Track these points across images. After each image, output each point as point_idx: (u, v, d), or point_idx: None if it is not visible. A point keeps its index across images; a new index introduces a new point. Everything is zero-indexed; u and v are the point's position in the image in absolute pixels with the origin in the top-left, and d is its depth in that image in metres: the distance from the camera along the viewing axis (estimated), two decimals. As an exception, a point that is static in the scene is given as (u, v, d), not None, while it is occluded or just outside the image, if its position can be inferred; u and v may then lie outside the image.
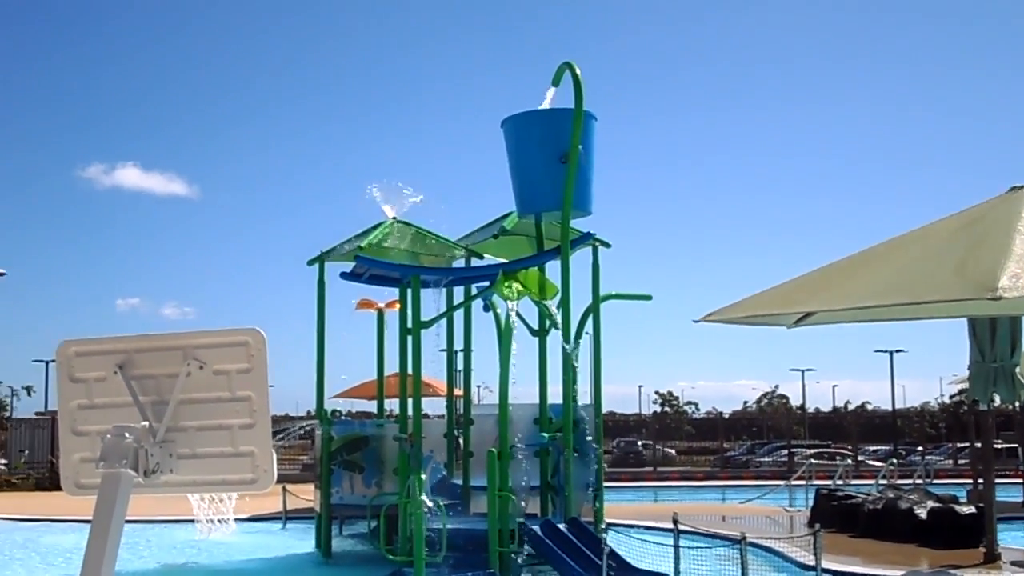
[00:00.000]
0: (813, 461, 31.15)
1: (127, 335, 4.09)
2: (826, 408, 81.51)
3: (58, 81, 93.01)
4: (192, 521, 18.36)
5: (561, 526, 13.27)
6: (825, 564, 11.86)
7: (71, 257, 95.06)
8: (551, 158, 14.07)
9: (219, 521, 18.57)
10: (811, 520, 17.44)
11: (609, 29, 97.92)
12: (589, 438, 14.30)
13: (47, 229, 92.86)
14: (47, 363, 65.68)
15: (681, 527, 13.23)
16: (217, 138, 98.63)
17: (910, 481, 25.41)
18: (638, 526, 15.19)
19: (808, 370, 65.83)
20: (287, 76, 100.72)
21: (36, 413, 52.04)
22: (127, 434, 3.80)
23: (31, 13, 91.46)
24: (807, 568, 12.40)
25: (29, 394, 61.74)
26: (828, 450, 47.89)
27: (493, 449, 13.25)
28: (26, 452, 39.79)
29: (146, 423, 3.88)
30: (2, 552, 17.04)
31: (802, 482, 25.25)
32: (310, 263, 16.28)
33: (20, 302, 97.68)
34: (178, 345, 3.93)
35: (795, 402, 74.89)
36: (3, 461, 40.35)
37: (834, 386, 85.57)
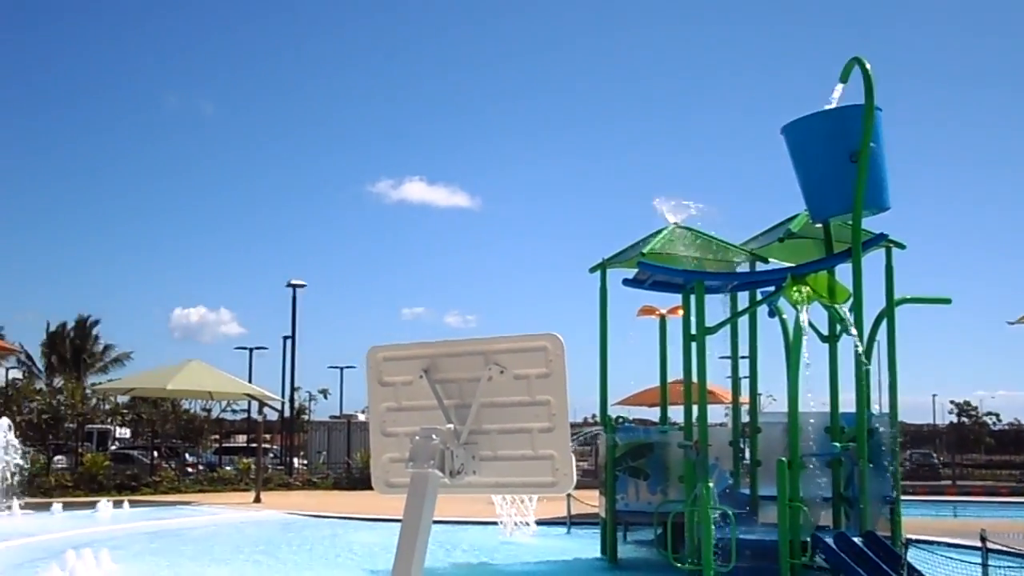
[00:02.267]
0: None
1: (430, 341, 4.22)
2: None
3: (349, 101, 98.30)
4: (494, 523, 19.04)
5: (856, 540, 12.83)
6: None
7: (361, 268, 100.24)
8: (840, 158, 13.68)
9: (522, 523, 19.16)
10: None
11: (896, 22, 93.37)
12: (884, 448, 13.79)
13: (339, 242, 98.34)
14: (341, 369, 69.49)
15: (990, 545, 12.48)
16: (497, 152, 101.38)
17: None
18: (939, 543, 14.41)
19: None
20: (565, 93, 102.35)
21: (331, 416, 54.99)
22: (434, 436, 3.94)
23: (322, 43, 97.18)
24: None
25: (325, 397, 65.34)
26: None
27: (783, 458, 12.98)
28: (324, 453, 42.19)
29: (451, 425, 4.01)
30: (310, 547, 18.05)
31: None
32: (592, 270, 16.42)
33: (316, 311, 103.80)
34: (479, 350, 4.02)
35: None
36: (304, 461, 42.88)
37: None
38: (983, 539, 12.57)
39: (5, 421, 23.27)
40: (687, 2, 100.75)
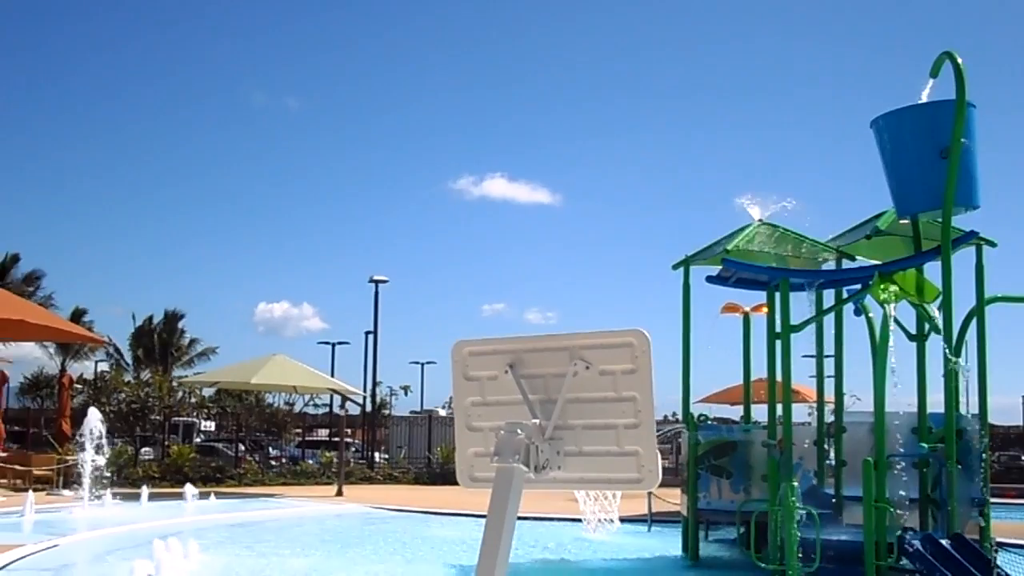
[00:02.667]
0: None
1: (516, 336, 4.26)
2: None
3: (432, 98, 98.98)
4: (577, 520, 19.11)
5: (944, 542, 12.64)
6: None
7: (442, 264, 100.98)
8: (930, 154, 13.51)
9: (605, 520, 19.16)
10: None
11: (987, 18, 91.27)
12: (973, 450, 13.56)
13: (421, 238, 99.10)
14: (422, 365, 70.06)
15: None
16: (579, 149, 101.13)
17: None
18: (1031, 546, 14.14)
19: None
20: (643, 89, 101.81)
21: (412, 412, 55.43)
22: (519, 431, 3.97)
23: (404, 38, 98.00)
24: None
25: (406, 393, 65.76)
26: None
27: (869, 458, 12.84)
28: (405, 448, 42.61)
29: (536, 420, 4.04)
30: (394, 541, 18.24)
31: None
32: (675, 267, 16.37)
33: (397, 307, 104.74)
34: (565, 346, 4.03)
35: None
36: (385, 456, 43.34)
37: None
38: (1077, 544, 12.33)
39: (96, 413, 23.88)
40: (766, 7, 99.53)
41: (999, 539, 13.74)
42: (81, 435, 23.13)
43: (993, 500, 14.14)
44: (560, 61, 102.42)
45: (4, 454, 28.69)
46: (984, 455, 13.63)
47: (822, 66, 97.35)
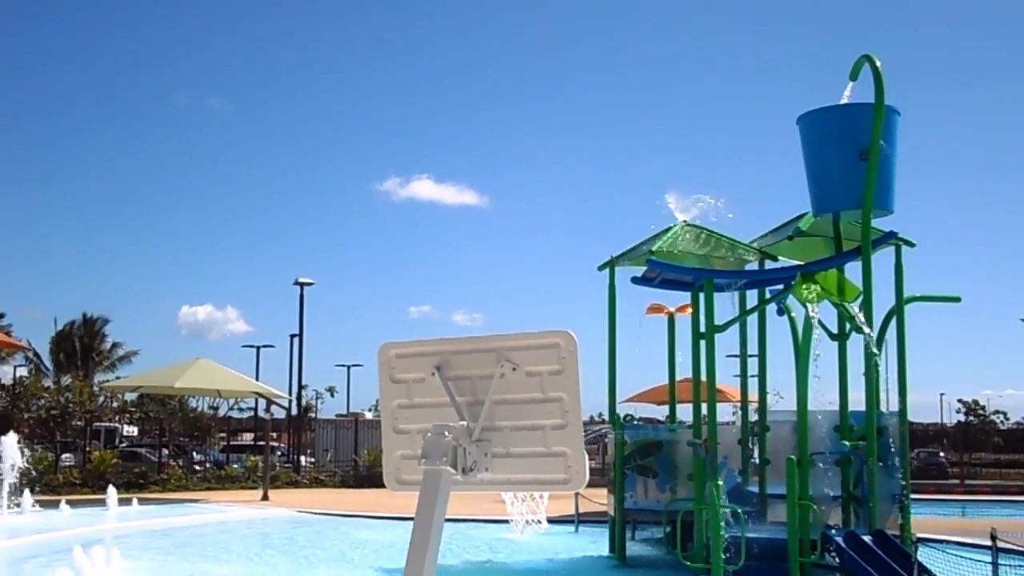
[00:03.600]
0: None
1: (443, 338, 4.21)
2: None
3: (357, 99, 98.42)
4: (505, 521, 19.11)
5: (866, 538, 12.80)
6: None
7: (368, 266, 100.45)
8: (850, 155, 13.67)
9: (533, 521, 19.21)
10: None
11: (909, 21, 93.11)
12: (894, 447, 13.76)
13: (347, 240, 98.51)
14: (348, 367, 69.65)
15: (1001, 544, 12.43)
16: (505, 150, 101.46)
17: None
18: (949, 541, 14.37)
19: None
20: (573, 92, 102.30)
21: (338, 415, 55.07)
22: (447, 433, 3.93)
23: (330, 40, 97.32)
24: None
25: (332, 396, 65.53)
26: None
27: (792, 457, 12.96)
28: (331, 451, 42.25)
29: (463, 422, 4.00)
30: (322, 544, 18.15)
31: None
32: (600, 268, 16.40)
33: (323, 310, 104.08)
34: (492, 347, 4.00)
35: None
36: (311, 459, 42.96)
37: None
38: (993, 538, 12.52)
39: (12, 440, 23.35)
40: (696, 3, 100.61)
41: (919, 534, 13.94)
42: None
43: (913, 496, 14.34)
44: (484, 62, 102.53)
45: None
46: (904, 452, 13.83)
47: (746, 71, 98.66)
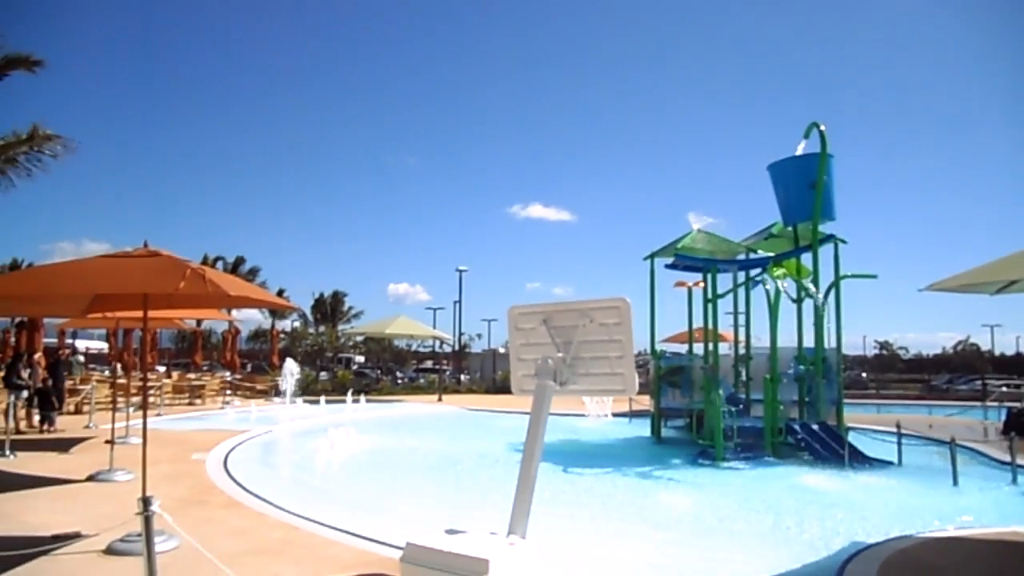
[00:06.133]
0: (1004, 389, 27.11)
1: (547, 302, 4.34)
2: (1011, 353, 69.96)
3: (496, 144, 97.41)
4: (584, 415, 19.27)
5: (814, 426, 12.57)
6: (1019, 461, 10.38)
7: (502, 262, 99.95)
8: (804, 186, 13.38)
9: (602, 415, 19.35)
10: (1004, 430, 15.25)
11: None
12: (832, 369, 13.42)
13: (487, 248, 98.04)
14: (489, 321, 69.85)
15: (903, 431, 12.08)
16: (587, 177, 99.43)
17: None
18: (869, 429, 13.97)
19: (996, 325, 58.96)
20: (628, 136, 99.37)
21: (483, 349, 55.52)
22: (550, 360, 4.06)
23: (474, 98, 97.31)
24: (1004, 463, 10.87)
25: (479, 338, 66.00)
26: (1015, 381, 41.04)
27: (767, 376, 12.77)
28: (479, 372, 42.74)
29: (560, 355, 4.10)
30: (474, 425, 18.50)
31: (995, 404, 22.14)
32: (645, 259, 16.28)
33: (473, 285, 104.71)
34: (577, 308, 4.09)
35: (985, 348, 65.54)
36: (467, 376, 43.50)
37: (1017, 337, 73.78)
38: (898, 426, 12.19)
39: (292, 362, 24.27)
40: (681, 72, 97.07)
41: (849, 425, 13.59)
42: (284, 366, 23.63)
43: (845, 401, 13.94)
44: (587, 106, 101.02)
45: (240, 376, 29.24)
46: (839, 372, 13.48)
47: (750, 122, 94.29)
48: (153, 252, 5.89)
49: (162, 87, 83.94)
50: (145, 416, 6.73)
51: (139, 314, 6.38)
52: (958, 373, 53.55)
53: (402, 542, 3.56)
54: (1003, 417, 17.24)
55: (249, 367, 40.27)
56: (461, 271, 39.46)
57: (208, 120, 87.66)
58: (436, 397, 28.70)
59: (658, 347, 16.86)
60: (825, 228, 13.81)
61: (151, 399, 19.92)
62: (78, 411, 18.09)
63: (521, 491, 3.86)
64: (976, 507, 8.51)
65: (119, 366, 25.83)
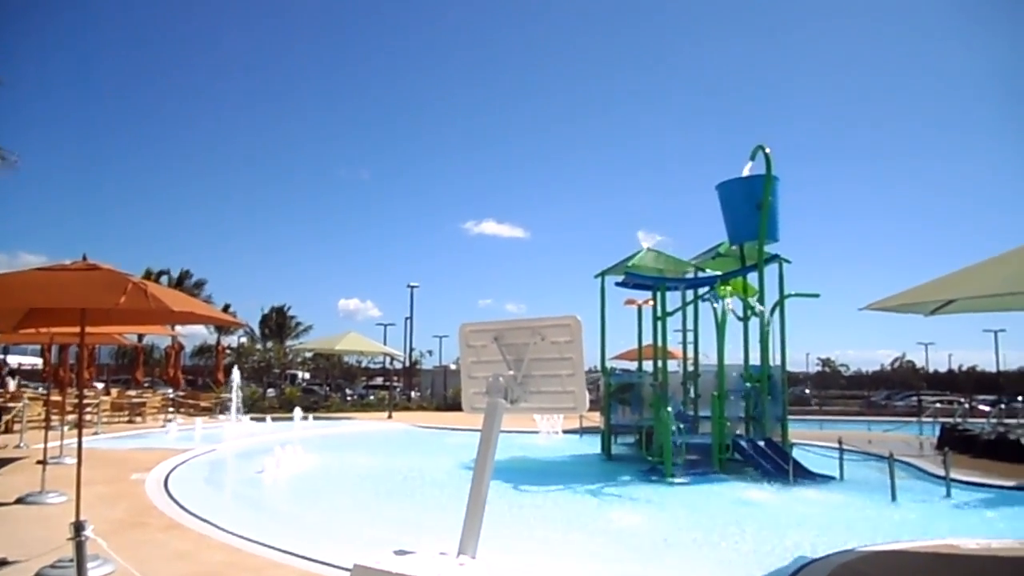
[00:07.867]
0: (938, 405, 28.10)
1: (499, 320, 4.29)
2: (943, 370, 72.63)
3: (448, 160, 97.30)
4: (535, 432, 19.23)
5: (760, 442, 12.78)
6: (953, 475, 10.73)
7: (454, 278, 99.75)
8: (750, 207, 13.65)
9: (552, 432, 19.36)
10: (939, 445, 15.77)
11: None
12: (777, 386, 13.68)
13: (439, 264, 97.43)
14: (441, 338, 69.33)
15: (845, 447, 12.38)
16: (540, 194, 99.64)
17: (1015, 420, 22.30)
18: (813, 445, 14.26)
19: (930, 343, 61.41)
20: (574, 158, 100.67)
21: (434, 366, 55.13)
22: (501, 378, 4.02)
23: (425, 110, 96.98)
24: (939, 477, 11.23)
25: (430, 355, 65.55)
26: (947, 397, 42.59)
27: (714, 392, 12.94)
28: (430, 389, 42.39)
29: (511, 372, 4.07)
30: (424, 443, 18.24)
31: (930, 419, 22.92)
32: (596, 276, 16.38)
33: (425, 301, 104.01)
34: (529, 326, 4.05)
35: (920, 365, 67.98)
36: (417, 393, 43.13)
37: (949, 355, 76.64)
38: (840, 442, 12.48)
39: (237, 373, 23.70)
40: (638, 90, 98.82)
41: (793, 441, 13.85)
42: (229, 383, 23.00)
43: (789, 417, 14.21)
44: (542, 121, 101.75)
45: (183, 393, 28.43)
46: (784, 389, 13.75)
47: (696, 143, 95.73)
48: (92, 265, 5.69)
49: (108, 94, 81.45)
50: (80, 434, 6.47)
51: (76, 330, 6.14)
52: (896, 389, 55.32)
53: (349, 564, 3.47)
54: (937, 432, 17.83)
55: (196, 382, 39.23)
56: (412, 287, 39.14)
57: (152, 129, 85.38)
58: (386, 414, 28.31)
59: (608, 364, 16.97)
60: (770, 248, 14.12)
61: (88, 417, 19.18)
62: (8, 430, 17.32)
63: (472, 510, 3.81)
64: (913, 520, 8.75)
65: (53, 382, 24.84)
